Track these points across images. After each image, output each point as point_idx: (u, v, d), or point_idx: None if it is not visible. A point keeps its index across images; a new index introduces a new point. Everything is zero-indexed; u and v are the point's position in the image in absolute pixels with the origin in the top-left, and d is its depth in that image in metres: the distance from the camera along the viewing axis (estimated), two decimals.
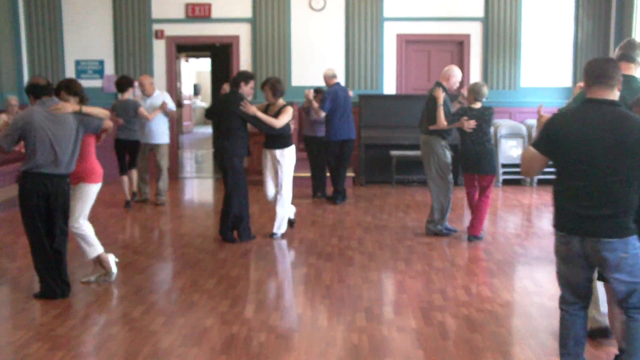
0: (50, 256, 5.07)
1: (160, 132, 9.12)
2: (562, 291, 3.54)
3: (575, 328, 3.49)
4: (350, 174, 10.41)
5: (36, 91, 5.13)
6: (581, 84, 3.63)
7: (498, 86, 11.18)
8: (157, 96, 9.14)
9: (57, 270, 5.09)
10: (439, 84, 7.08)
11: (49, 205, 5.04)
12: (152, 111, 8.94)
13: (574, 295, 3.48)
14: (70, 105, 5.19)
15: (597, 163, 3.24)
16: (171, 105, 9.25)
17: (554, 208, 3.48)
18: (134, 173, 9.03)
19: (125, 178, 8.86)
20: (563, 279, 3.50)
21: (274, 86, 6.88)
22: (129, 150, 8.90)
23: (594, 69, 3.37)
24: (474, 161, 6.83)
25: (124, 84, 8.86)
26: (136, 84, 9.59)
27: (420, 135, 7.28)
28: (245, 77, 6.83)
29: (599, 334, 4.31)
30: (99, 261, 5.49)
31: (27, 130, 4.99)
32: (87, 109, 5.25)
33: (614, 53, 4.29)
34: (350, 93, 9.39)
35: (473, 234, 6.96)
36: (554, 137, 3.38)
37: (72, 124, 5.13)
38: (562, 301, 3.54)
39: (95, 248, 5.45)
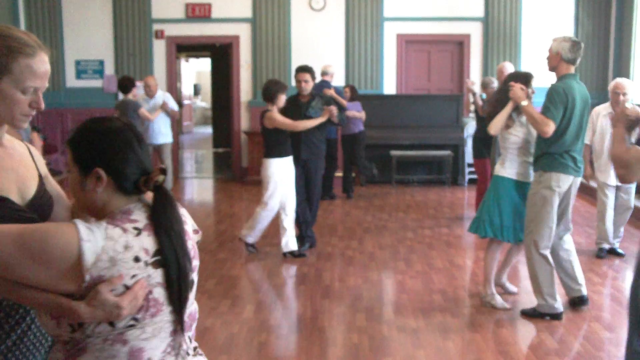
0: None
1: (163, 132, 9.15)
2: None
3: None
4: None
5: None
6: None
7: None
8: (159, 96, 9.15)
9: None
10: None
11: None
12: (154, 111, 8.96)
13: None
14: None
15: None
16: (173, 104, 9.26)
17: None
18: None
19: None
20: None
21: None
22: None
23: None
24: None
25: (126, 85, 8.87)
26: (140, 84, 9.60)
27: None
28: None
29: (579, 303, 4.79)
30: None
31: None
32: None
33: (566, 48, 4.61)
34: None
35: None
36: None
37: None
38: None
39: None
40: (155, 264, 1.62)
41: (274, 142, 6.26)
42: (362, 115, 9.22)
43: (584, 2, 11.00)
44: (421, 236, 7.18)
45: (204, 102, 23.04)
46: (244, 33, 11.19)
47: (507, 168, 4.82)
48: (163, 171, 1.69)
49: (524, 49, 11.14)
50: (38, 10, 11.05)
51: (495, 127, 4.79)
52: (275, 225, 7.28)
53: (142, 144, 1.72)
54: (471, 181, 10.36)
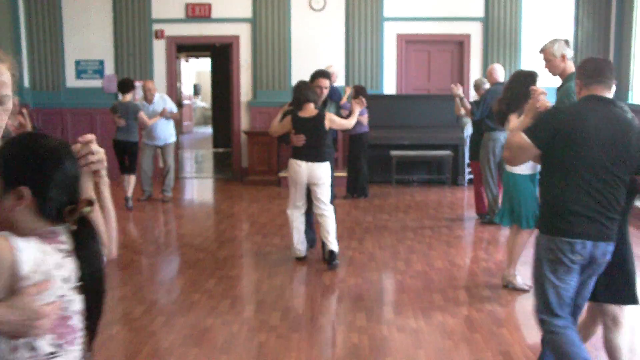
0: None
1: (166, 133, 9.15)
2: (553, 310, 3.16)
3: (578, 344, 3.15)
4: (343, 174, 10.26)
5: None
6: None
7: None
8: (157, 102, 9.10)
9: None
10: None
11: None
12: (153, 115, 8.94)
13: (567, 310, 3.19)
14: None
15: (606, 161, 3.04)
16: (172, 107, 9.24)
17: (554, 211, 3.15)
18: (132, 179, 8.85)
19: (125, 176, 8.81)
20: (558, 295, 3.15)
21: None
22: (127, 152, 8.85)
23: (593, 67, 3.21)
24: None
25: (126, 86, 8.84)
26: (139, 84, 9.57)
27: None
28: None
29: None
30: None
31: None
32: None
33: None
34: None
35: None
36: (558, 132, 3.09)
37: None
38: (554, 322, 3.18)
39: None
40: (78, 290, 1.60)
41: (328, 144, 6.09)
42: (363, 117, 9.21)
43: (584, 2, 10.99)
44: (421, 236, 7.18)
45: (204, 102, 23.02)
46: (244, 33, 11.19)
47: (522, 165, 4.98)
48: (90, 202, 1.62)
49: (524, 49, 11.13)
50: (38, 10, 11.05)
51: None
52: (277, 224, 7.29)
53: (76, 167, 1.64)
54: (471, 181, 10.35)
